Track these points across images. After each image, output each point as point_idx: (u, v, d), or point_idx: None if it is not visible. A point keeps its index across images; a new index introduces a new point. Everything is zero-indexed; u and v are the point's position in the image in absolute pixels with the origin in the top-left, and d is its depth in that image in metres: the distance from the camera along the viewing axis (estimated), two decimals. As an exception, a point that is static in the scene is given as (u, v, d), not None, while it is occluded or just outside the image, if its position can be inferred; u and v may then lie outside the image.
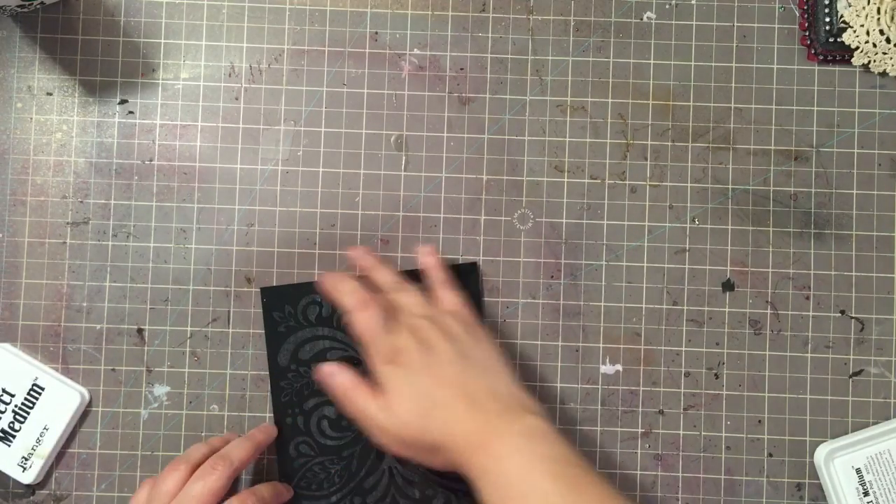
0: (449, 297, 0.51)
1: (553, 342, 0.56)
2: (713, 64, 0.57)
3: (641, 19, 0.57)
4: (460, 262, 0.56)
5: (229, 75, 0.57)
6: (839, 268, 0.56)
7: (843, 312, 0.56)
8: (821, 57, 0.56)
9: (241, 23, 0.57)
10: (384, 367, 0.47)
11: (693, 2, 0.57)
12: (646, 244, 0.56)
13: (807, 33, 0.56)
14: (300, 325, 0.55)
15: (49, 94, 0.56)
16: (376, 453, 0.55)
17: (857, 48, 0.55)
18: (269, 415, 0.55)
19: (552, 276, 0.56)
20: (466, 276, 0.55)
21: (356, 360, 0.55)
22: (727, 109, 0.57)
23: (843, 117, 0.56)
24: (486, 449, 0.44)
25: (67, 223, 0.56)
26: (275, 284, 0.55)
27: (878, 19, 0.55)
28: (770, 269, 0.56)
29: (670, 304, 0.56)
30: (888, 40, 0.55)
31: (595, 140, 0.57)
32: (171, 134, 0.56)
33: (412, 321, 0.49)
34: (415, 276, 0.55)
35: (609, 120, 0.57)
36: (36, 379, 0.54)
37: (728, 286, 0.56)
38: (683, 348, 0.56)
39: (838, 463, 0.54)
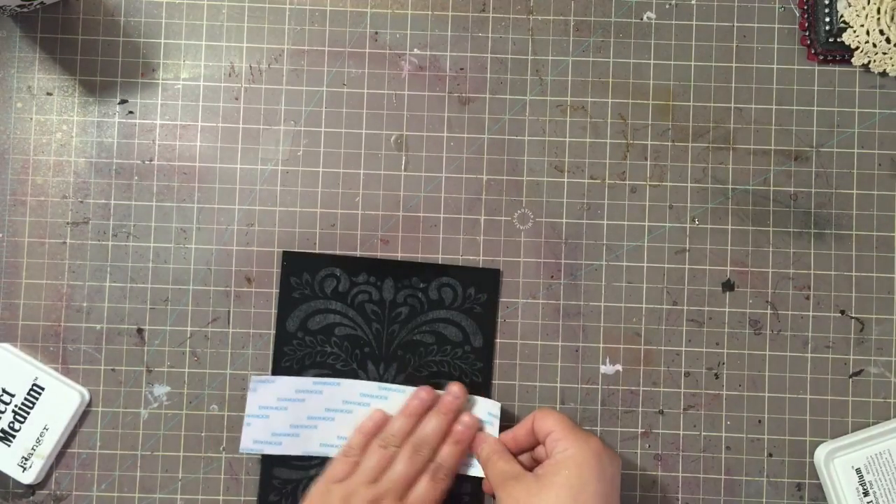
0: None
1: (553, 342, 0.56)
2: (713, 64, 0.57)
3: (641, 19, 0.57)
4: (481, 265, 0.56)
5: (229, 75, 0.57)
6: (839, 268, 0.56)
7: (843, 312, 0.56)
8: (821, 57, 0.56)
9: (241, 23, 0.57)
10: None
11: (693, 2, 0.57)
12: (646, 244, 0.56)
13: (807, 33, 0.56)
14: (314, 296, 0.55)
15: (49, 94, 0.56)
16: None
17: (857, 48, 0.55)
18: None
19: (552, 276, 0.56)
20: (488, 281, 0.56)
21: (362, 340, 0.55)
22: (727, 109, 0.57)
23: (843, 117, 0.56)
24: None
25: (67, 223, 0.56)
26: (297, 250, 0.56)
27: (878, 19, 0.55)
28: (770, 269, 0.56)
29: (670, 304, 0.56)
30: (888, 40, 0.55)
31: (595, 140, 0.57)
32: (171, 134, 0.56)
33: None
34: (417, 269, 0.55)
35: (609, 120, 0.56)
36: (36, 379, 0.54)
37: (728, 286, 0.56)
38: (683, 348, 0.56)
39: (838, 463, 0.54)
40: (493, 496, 0.52)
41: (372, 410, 0.54)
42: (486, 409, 0.54)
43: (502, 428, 0.53)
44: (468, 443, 0.52)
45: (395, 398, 0.54)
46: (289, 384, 0.54)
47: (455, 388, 0.53)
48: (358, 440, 0.52)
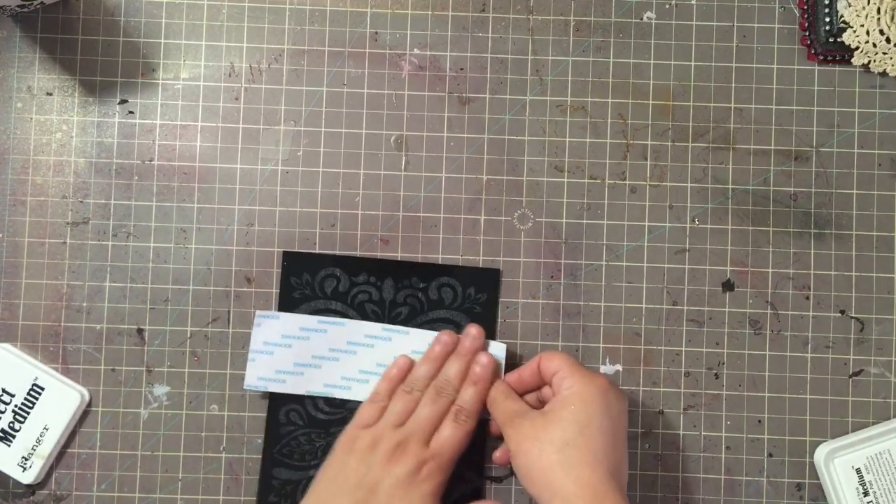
0: None
1: (553, 342, 0.56)
2: (713, 64, 0.57)
3: (641, 19, 0.57)
4: (481, 265, 0.56)
5: (229, 75, 0.57)
6: (839, 268, 0.56)
7: (843, 312, 0.56)
8: (821, 57, 0.56)
9: (241, 23, 0.57)
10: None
11: (693, 2, 0.57)
12: (646, 244, 0.56)
13: (807, 33, 0.56)
14: (315, 296, 0.55)
15: (49, 94, 0.56)
16: None
17: (857, 48, 0.55)
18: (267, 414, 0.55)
19: (552, 276, 0.56)
20: (488, 281, 0.55)
21: None
22: (727, 109, 0.57)
23: (843, 117, 0.56)
24: None
25: (67, 223, 0.56)
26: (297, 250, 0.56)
27: (878, 19, 0.55)
28: (770, 269, 0.56)
29: (670, 304, 0.56)
30: (888, 40, 0.55)
31: (595, 140, 0.57)
32: (171, 134, 0.56)
33: None
34: (417, 269, 0.55)
35: (609, 120, 0.57)
36: (36, 379, 0.54)
37: (728, 286, 0.56)
38: (683, 348, 0.56)
39: (838, 463, 0.54)
40: (500, 438, 0.52)
41: (397, 357, 0.54)
42: (492, 352, 0.54)
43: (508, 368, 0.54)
44: (488, 382, 0.53)
45: (398, 340, 0.54)
46: (294, 321, 0.54)
47: (473, 331, 0.54)
48: (384, 386, 0.53)
